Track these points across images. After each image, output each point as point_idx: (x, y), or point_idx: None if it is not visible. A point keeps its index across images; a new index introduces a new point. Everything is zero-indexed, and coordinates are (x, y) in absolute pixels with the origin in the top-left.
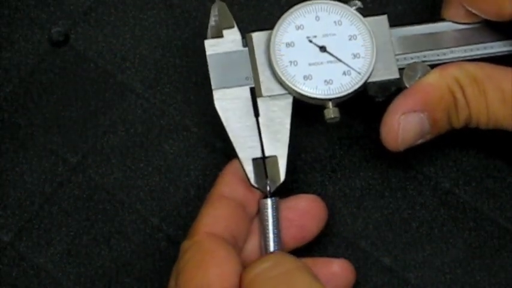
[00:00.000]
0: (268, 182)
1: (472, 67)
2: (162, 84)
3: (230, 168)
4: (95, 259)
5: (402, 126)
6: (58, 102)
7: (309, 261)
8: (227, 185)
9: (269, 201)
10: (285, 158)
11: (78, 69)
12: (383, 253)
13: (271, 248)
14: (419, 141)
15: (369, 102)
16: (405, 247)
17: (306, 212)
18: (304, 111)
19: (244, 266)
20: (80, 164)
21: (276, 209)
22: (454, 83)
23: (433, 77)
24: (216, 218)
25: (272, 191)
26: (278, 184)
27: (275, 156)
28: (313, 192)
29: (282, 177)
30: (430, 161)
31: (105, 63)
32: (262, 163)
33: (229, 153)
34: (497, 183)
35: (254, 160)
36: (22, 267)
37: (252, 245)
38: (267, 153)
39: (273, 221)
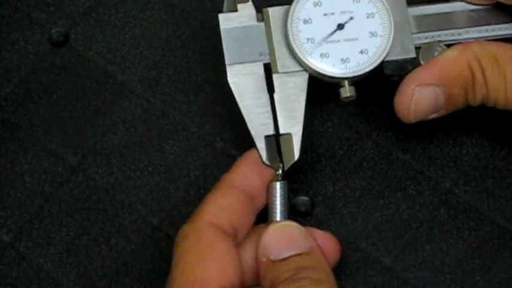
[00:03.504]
0: (282, 160)
1: (494, 47)
2: (162, 84)
3: (247, 157)
4: (95, 259)
5: (415, 98)
6: (58, 102)
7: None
8: (241, 174)
9: (278, 184)
10: (300, 136)
11: (78, 69)
12: (383, 253)
13: (278, 218)
14: (432, 116)
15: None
16: (405, 247)
17: None
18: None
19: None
20: (80, 164)
21: (285, 191)
22: (474, 60)
23: (453, 53)
24: (221, 207)
25: (286, 169)
26: (292, 162)
27: (290, 134)
28: (313, 192)
29: (297, 155)
30: (430, 161)
31: (105, 63)
32: (275, 141)
33: (229, 153)
34: (497, 183)
35: (267, 137)
36: (22, 267)
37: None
38: (281, 131)
39: (281, 200)
